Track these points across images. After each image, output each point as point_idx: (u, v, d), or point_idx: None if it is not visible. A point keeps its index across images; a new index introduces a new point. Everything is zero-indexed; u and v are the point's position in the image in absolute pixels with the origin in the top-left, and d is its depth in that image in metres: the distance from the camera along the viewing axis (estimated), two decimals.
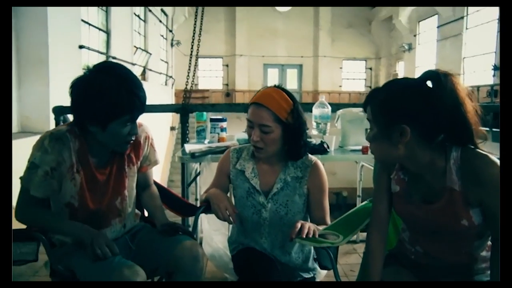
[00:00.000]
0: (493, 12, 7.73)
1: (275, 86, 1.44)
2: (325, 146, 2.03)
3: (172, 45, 12.84)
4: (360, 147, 2.19)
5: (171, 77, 12.62)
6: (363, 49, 15.46)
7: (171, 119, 11.11)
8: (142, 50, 8.99)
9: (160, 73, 11.11)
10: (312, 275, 1.52)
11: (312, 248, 1.53)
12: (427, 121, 0.99)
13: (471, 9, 8.69)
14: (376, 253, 1.21)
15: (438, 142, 1.04)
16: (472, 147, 1.03)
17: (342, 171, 9.66)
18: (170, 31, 12.50)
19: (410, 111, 0.99)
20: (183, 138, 2.60)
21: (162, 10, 11.00)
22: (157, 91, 10.09)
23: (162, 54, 11.72)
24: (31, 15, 4.31)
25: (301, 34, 14.78)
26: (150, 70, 9.76)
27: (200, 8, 4.46)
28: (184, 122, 2.62)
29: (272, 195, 1.45)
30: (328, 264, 1.23)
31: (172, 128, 11.30)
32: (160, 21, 10.94)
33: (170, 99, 12.01)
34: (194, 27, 4.07)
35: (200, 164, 2.26)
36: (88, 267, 1.22)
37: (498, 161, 0.99)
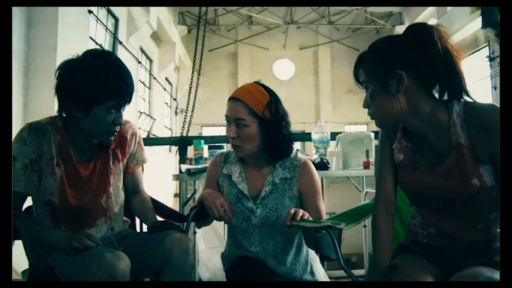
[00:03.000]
0: (485, 70, 7.98)
1: (254, 82, 1.41)
2: (325, 161, 1.97)
3: (176, 113, 13.17)
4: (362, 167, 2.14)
5: None
6: (364, 113, 15.19)
7: (174, 186, 11.03)
8: (147, 115, 9.21)
9: None
10: None
11: (309, 258, 1.40)
12: (420, 65, 0.98)
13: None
14: (383, 233, 1.11)
15: (436, 97, 1.02)
16: (472, 100, 1.00)
17: (349, 237, 9.25)
18: (175, 99, 12.91)
19: (402, 55, 0.99)
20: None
21: (166, 79, 11.46)
22: (160, 157, 10.15)
23: (166, 121, 11.98)
24: (40, 73, 4.48)
25: (303, 101, 15.14)
26: (154, 135, 9.91)
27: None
28: (182, 154, 2.61)
29: (260, 199, 1.35)
30: (331, 253, 1.10)
31: (176, 195, 11.18)
32: (165, 89, 11.34)
33: (173, 165, 12.05)
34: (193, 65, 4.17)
35: (195, 182, 2.19)
36: (66, 259, 1.11)
37: None
